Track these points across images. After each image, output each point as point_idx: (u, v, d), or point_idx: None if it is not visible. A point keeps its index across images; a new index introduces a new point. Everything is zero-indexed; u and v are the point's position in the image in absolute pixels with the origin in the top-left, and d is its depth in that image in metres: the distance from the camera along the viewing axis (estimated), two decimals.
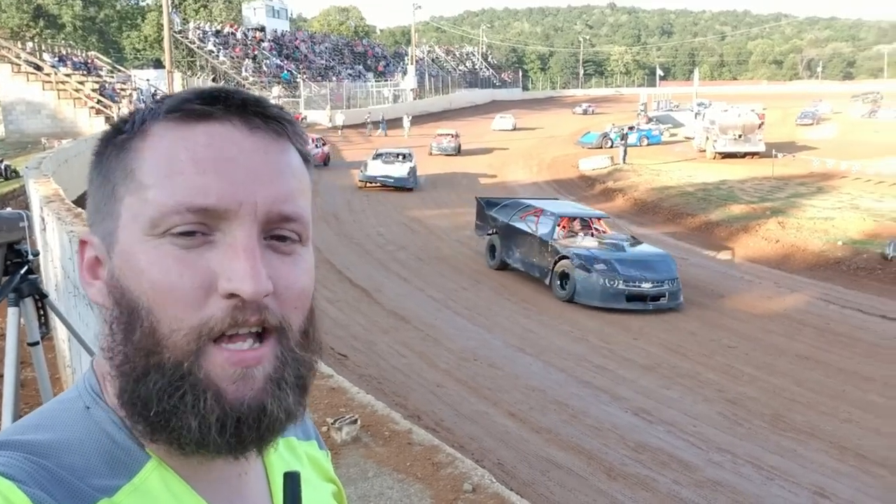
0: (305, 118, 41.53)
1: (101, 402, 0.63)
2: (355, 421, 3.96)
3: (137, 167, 0.60)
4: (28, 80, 32.13)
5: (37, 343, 2.43)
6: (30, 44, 38.61)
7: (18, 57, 33.18)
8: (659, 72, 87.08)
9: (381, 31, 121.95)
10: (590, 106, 62.41)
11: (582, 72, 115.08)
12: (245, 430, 0.59)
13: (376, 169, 24.72)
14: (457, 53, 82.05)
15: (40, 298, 2.41)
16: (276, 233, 0.62)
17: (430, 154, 32.64)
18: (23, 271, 2.31)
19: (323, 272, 14.02)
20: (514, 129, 46.18)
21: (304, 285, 0.64)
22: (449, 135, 35.04)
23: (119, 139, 0.63)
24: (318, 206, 21.02)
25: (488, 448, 7.02)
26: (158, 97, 0.66)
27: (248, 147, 0.61)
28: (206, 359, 0.58)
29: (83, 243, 0.66)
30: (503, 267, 14.86)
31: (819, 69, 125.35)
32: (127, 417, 0.60)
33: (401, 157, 25.93)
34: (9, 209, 2.73)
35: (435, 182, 26.61)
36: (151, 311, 0.58)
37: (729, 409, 8.58)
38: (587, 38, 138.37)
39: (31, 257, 2.35)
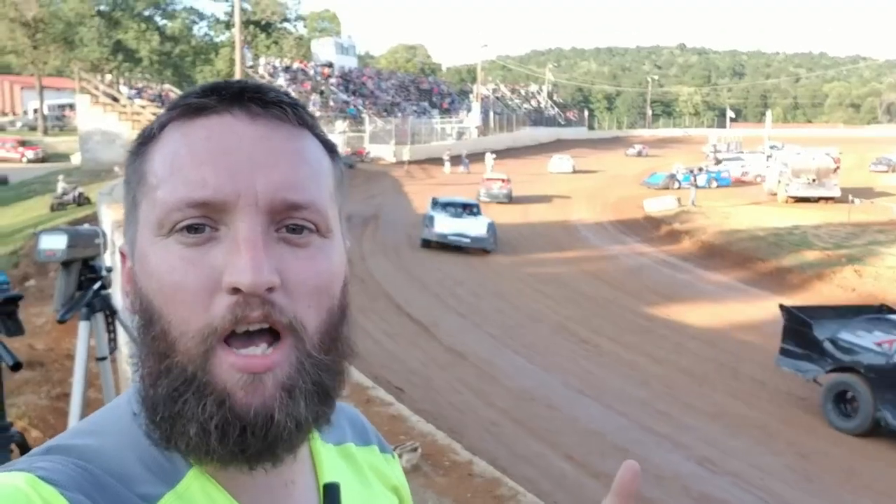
0: (369, 153, 42.31)
1: None
2: (416, 449, 3.90)
3: (148, 170, 0.60)
4: (105, 110, 33.83)
5: (105, 358, 2.47)
6: (108, 76, 40.74)
7: (97, 89, 35.05)
8: (730, 113, 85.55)
9: (448, 69, 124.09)
10: (644, 147, 59.69)
11: (650, 112, 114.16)
12: (250, 438, 0.56)
13: (446, 225, 20.33)
14: (522, 92, 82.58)
15: (111, 314, 2.46)
16: (289, 223, 0.59)
17: (478, 200, 26.47)
18: (96, 286, 2.37)
19: (382, 305, 14.10)
20: (574, 171, 42.25)
21: (319, 281, 0.60)
22: (500, 179, 30.65)
23: (135, 147, 0.63)
24: (378, 241, 21.24)
25: (545, 491, 6.82)
26: None
27: (248, 136, 0.59)
28: (214, 362, 0.56)
29: (122, 255, 0.66)
30: (873, 431, 8.98)
31: None
32: (145, 424, 0.59)
33: (468, 209, 21.73)
34: (86, 225, 2.81)
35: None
36: (162, 313, 0.57)
37: (799, 464, 8.18)
38: (655, 77, 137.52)
39: (104, 273, 2.41)
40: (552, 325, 13.62)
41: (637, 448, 8.22)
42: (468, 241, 19.96)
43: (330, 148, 0.66)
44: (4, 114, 61.83)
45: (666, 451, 8.25)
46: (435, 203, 22.00)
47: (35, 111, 53.13)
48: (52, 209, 23.95)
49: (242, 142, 0.58)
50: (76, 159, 36.17)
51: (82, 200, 24.31)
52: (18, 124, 54.25)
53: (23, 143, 41.70)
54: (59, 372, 7.19)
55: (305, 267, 0.59)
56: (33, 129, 51.20)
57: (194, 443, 0.56)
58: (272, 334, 0.57)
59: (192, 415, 0.56)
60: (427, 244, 20.34)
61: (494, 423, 8.57)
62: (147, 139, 0.62)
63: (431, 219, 20.64)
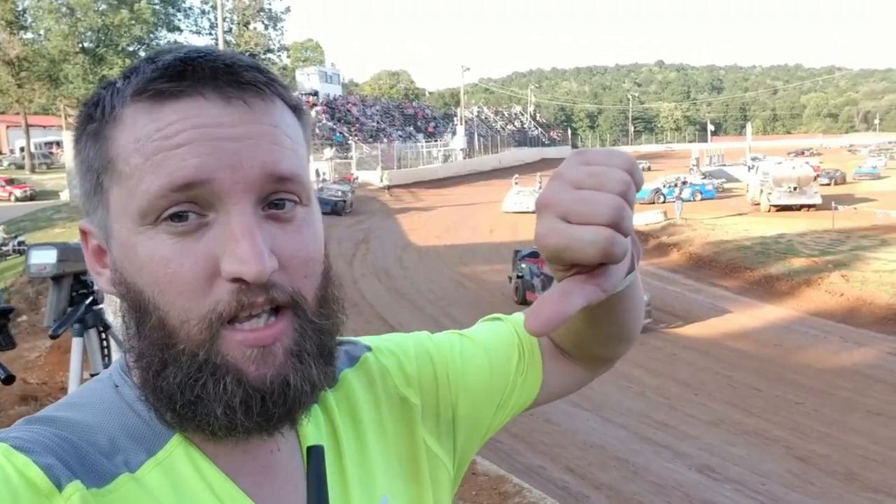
0: (357, 178, 42.42)
1: (130, 380, 0.61)
2: None
3: (116, 156, 0.57)
4: None
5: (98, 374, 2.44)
6: None
7: None
8: (710, 127, 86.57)
9: (431, 93, 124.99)
10: None
11: (632, 129, 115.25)
12: (271, 406, 0.56)
13: None
14: (505, 113, 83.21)
15: (104, 329, 2.44)
16: (273, 199, 0.58)
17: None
18: (88, 301, 2.35)
19: (376, 327, 14.04)
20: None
21: (310, 252, 0.60)
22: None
23: (91, 128, 0.59)
24: (369, 263, 21.21)
25: None
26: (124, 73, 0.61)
27: (225, 118, 0.56)
28: (222, 343, 0.56)
29: (84, 233, 0.64)
30: None
31: (876, 121, 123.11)
32: (153, 409, 0.58)
33: None
34: (76, 240, 2.79)
35: None
36: (157, 304, 0.56)
37: (799, 467, 8.16)
38: (636, 95, 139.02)
39: (96, 288, 2.39)
40: None
41: (637, 458, 8.18)
42: None
43: (298, 110, 0.64)
44: None
45: (666, 460, 8.21)
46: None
47: (21, 150, 52.89)
48: None
49: (219, 125, 0.56)
50: (65, 195, 36.03)
51: (23, 249, 24.00)
52: (5, 163, 53.92)
53: (10, 182, 41.41)
54: None
55: (296, 240, 0.59)
56: (20, 167, 50.88)
57: (221, 422, 0.56)
58: (273, 308, 0.58)
59: (214, 396, 0.55)
60: None
61: (493, 438, 8.51)
62: (107, 121, 0.58)
63: None
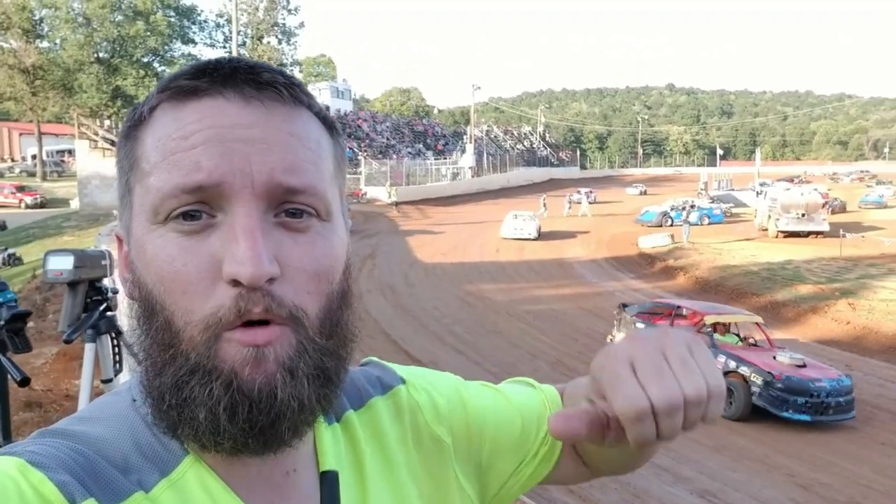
0: (366, 194, 42.55)
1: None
2: None
3: (140, 154, 0.58)
4: (104, 155, 34.14)
5: (110, 380, 2.49)
6: (107, 122, 41.00)
7: (96, 134, 35.36)
8: (719, 151, 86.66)
9: (441, 111, 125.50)
10: (591, 192, 50.61)
11: (641, 151, 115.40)
12: (257, 415, 0.55)
13: None
14: (515, 133, 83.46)
15: (117, 336, 2.49)
16: (288, 208, 0.57)
17: None
18: (102, 308, 2.40)
19: (380, 343, 14.05)
20: (539, 236, 29.37)
21: (319, 266, 0.58)
22: None
23: (126, 129, 0.61)
24: (375, 278, 21.24)
25: None
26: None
27: (242, 119, 0.56)
28: (220, 346, 0.55)
29: (118, 240, 0.64)
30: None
31: (886, 150, 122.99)
32: (150, 413, 0.58)
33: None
34: (92, 247, 2.86)
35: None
36: (165, 303, 0.56)
37: (801, 495, 8.11)
38: (646, 117, 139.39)
39: (110, 295, 2.45)
40: (550, 362, 13.59)
41: (638, 481, 8.15)
42: None
43: (329, 125, 0.63)
44: (3, 160, 62.06)
45: (667, 483, 8.18)
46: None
47: (34, 157, 53.38)
48: None
49: (236, 126, 0.56)
50: (75, 204, 36.29)
51: (13, 261, 24.08)
52: (17, 170, 54.41)
53: (21, 189, 41.78)
54: (58, 413, 7.14)
55: (305, 252, 0.57)
56: (32, 174, 51.34)
57: (204, 427, 0.55)
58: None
59: (199, 401, 0.55)
60: None
61: None
62: (138, 122, 0.60)
63: None
